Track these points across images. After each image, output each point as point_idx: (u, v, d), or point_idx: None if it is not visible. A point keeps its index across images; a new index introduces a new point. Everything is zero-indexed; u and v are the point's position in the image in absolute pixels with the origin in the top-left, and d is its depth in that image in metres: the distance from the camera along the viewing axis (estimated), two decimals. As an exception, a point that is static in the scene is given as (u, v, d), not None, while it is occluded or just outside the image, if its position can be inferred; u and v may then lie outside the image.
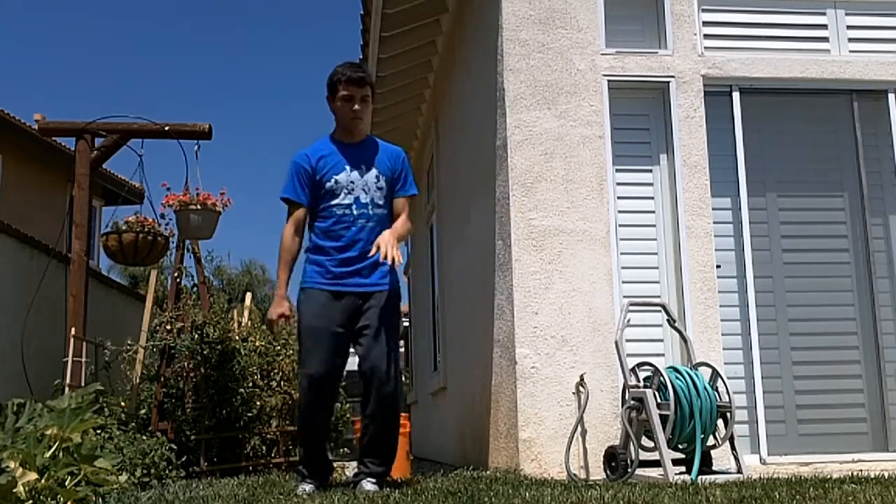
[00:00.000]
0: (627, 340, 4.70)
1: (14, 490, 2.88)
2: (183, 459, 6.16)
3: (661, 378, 4.34)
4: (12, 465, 2.93)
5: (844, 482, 3.56)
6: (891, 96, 5.60)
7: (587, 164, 5.17)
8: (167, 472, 5.54)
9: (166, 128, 6.89)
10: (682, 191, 5.21)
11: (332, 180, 4.01)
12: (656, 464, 4.30)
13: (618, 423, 4.80)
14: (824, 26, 5.63)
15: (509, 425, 5.03)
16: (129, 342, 6.98)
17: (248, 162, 57.27)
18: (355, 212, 3.99)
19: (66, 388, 6.00)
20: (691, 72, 5.36)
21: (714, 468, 4.45)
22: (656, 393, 4.35)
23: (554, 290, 5.02)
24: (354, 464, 4.39)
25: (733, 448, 4.50)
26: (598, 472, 4.74)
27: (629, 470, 4.34)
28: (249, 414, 6.77)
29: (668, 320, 4.83)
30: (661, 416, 4.28)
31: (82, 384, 6.02)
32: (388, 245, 3.82)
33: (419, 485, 3.98)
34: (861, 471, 4.27)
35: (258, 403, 6.82)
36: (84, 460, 3.12)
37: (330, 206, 4.01)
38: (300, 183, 4.07)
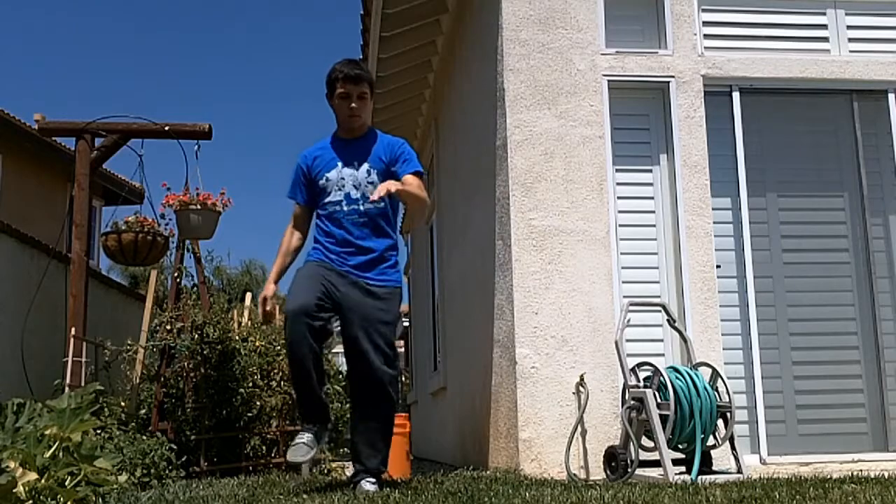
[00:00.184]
0: (627, 340, 4.70)
1: (14, 490, 2.87)
2: (183, 459, 6.16)
3: (661, 378, 4.34)
4: (12, 465, 2.93)
5: (844, 482, 3.56)
6: (891, 96, 5.60)
7: (587, 164, 5.17)
8: (167, 472, 5.54)
9: (166, 128, 6.90)
10: (682, 191, 5.21)
11: (324, 178, 4.06)
12: (656, 464, 4.30)
13: (618, 423, 4.80)
14: (824, 26, 5.63)
15: (509, 425, 5.03)
16: (129, 342, 6.98)
17: (248, 162, 57.30)
18: (345, 208, 3.99)
19: (66, 388, 6.01)
20: (691, 72, 5.36)
21: (714, 468, 4.45)
22: (656, 393, 4.35)
23: (554, 290, 5.02)
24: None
25: (733, 448, 4.50)
26: (598, 472, 4.74)
27: (629, 470, 4.34)
28: (249, 414, 6.77)
29: (668, 320, 4.83)
30: (661, 416, 4.28)
31: (82, 384, 6.03)
32: (385, 186, 3.82)
33: (419, 485, 3.98)
34: (861, 471, 4.26)
35: (258, 403, 6.82)
36: (84, 460, 3.11)
37: (325, 204, 4.05)
38: (298, 182, 4.18)
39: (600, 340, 4.97)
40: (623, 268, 5.14)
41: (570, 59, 5.27)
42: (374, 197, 3.85)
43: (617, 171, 5.24)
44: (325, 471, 6.01)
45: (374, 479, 3.87)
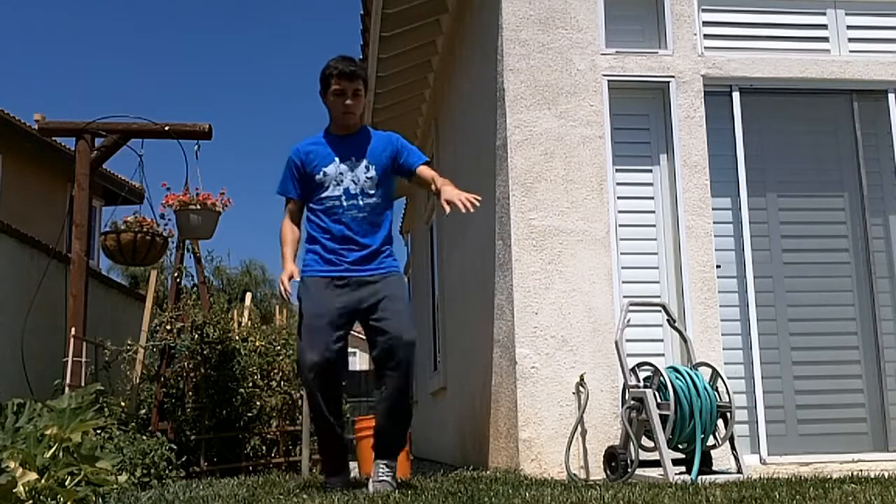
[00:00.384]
0: (627, 340, 4.70)
1: (14, 490, 2.87)
2: (183, 459, 6.17)
3: (661, 378, 4.34)
4: (12, 465, 2.93)
5: (844, 482, 3.56)
6: (891, 96, 5.60)
7: (587, 164, 5.17)
8: (167, 472, 5.54)
9: (166, 128, 6.90)
10: (682, 191, 5.21)
11: (321, 172, 4.04)
12: (656, 464, 4.30)
13: (618, 423, 4.80)
14: (824, 26, 5.63)
15: (509, 425, 5.03)
16: (129, 342, 6.99)
17: (248, 162, 57.30)
18: (345, 203, 3.99)
19: (66, 388, 6.01)
20: (691, 72, 5.36)
21: (714, 468, 4.45)
22: (656, 393, 4.35)
23: (554, 290, 5.01)
24: (355, 464, 4.39)
25: (733, 448, 4.50)
26: (598, 472, 4.74)
27: (629, 470, 4.34)
28: (249, 414, 6.78)
29: (668, 320, 4.83)
30: (661, 416, 4.28)
31: (82, 384, 6.03)
32: (460, 197, 3.88)
33: (419, 485, 3.98)
34: (861, 471, 4.26)
35: (258, 403, 6.83)
36: (84, 460, 3.11)
37: (321, 199, 4.04)
38: (291, 177, 4.15)
39: (600, 340, 4.97)
40: (623, 268, 5.14)
41: (570, 59, 5.27)
42: (470, 206, 3.89)
43: (617, 171, 5.24)
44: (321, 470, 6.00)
45: (390, 463, 3.90)
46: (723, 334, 5.13)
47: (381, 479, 3.84)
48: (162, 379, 6.81)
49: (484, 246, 5.71)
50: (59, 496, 2.98)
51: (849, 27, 5.63)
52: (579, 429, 4.87)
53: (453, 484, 3.96)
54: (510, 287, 5.04)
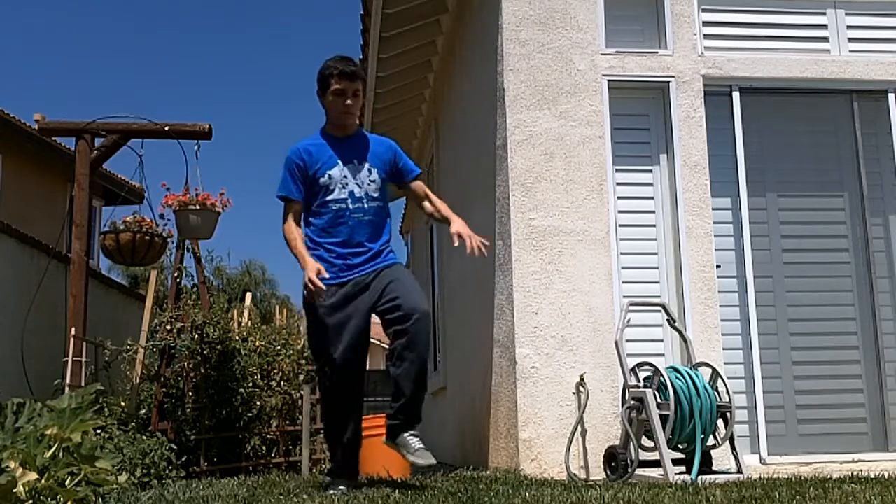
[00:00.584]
0: (627, 340, 4.70)
1: (14, 490, 2.87)
2: (183, 459, 6.17)
3: (661, 378, 4.34)
4: (12, 465, 2.93)
5: (844, 482, 3.56)
6: (891, 96, 5.59)
7: (587, 164, 5.16)
8: (167, 472, 5.55)
9: (166, 128, 6.91)
10: (682, 191, 5.21)
11: (326, 175, 4.00)
12: (656, 464, 4.30)
13: (618, 423, 4.80)
14: (824, 26, 5.63)
15: (509, 425, 5.03)
16: (129, 342, 6.99)
17: (248, 162, 57.30)
18: (351, 206, 3.98)
19: (66, 388, 6.01)
20: (691, 72, 5.36)
21: (714, 468, 4.45)
22: (656, 393, 4.35)
23: (554, 290, 5.01)
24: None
25: (733, 448, 4.50)
26: (598, 472, 4.74)
27: (629, 470, 4.34)
28: (249, 414, 6.78)
29: (668, 320, 4.83)
30: (661, 416, 4.28)
31: (82, 384, 6.03)
32: (471, 237, 3.96)
33: (419, 485, 3.98)
34: (861, 471, 4.26)
35: (258, 403, 6.83)
36: (84, 460, 3.11)
37: (326, 202, 4.00)
38: (294, 179, 4.06)
39: (600, 340, 4.96)
40: (623, 268, 5.14)
41: (570, 59, 5.27)
42: (478, 252, 3.97)
43: (617, 171, 5.24)
44: (325, 471, 6.01)
45: (418, 434, 3.92)
46: (723, 334, 5.13)
47: (418, 448, 3.85)
48: (162, 379, 6.81)
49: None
50: (59, 496, 2.98)
51: (849, 27, 5.63)
52: (579, 429, 4.87)
53: (453, 484, 3.96)
54: (510, 287, 5.04)
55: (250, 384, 6.80)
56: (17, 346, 6.87)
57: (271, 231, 54.66)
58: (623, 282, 5.11)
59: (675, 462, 4.26)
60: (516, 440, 4.87)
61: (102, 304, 8.58)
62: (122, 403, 6.63)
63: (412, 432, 3.91)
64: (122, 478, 3.73)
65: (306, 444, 6.28)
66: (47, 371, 6.96)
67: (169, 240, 7.19)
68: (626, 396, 4.53)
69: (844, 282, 5.45)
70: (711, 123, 5.35)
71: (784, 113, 5.59)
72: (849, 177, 5.56)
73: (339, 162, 4.03)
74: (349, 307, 3.93)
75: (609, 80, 5.26)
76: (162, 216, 6.98)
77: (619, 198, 5.20)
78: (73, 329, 6.38)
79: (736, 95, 5.47)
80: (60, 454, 3.11)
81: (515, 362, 4.92)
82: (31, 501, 2.91)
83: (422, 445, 3.86)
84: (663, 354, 5.10)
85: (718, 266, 5.23)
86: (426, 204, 4.25)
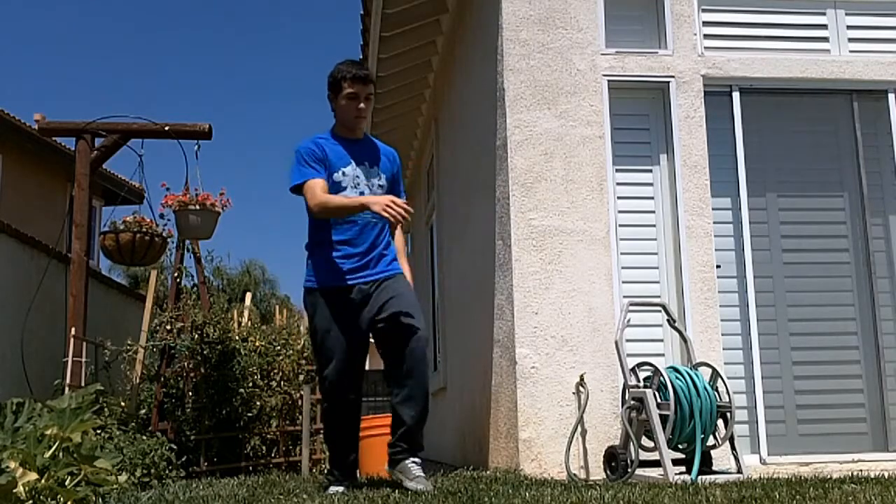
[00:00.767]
0: (627, 340, 4.70)
1: (14, 490, 2.87)
2: (183, 459, 6.17)
3: (661, 378, 4.34)
4: (12, 465, 2.93)
5: (844, 482, 3.56)
6: (891, 96, 5.59)
7: (587, 164, 5.16)
8: (167, 472, 5.55)
9: (166, 128, 6.91)
10: (682, 191, 5.21)
11: (340, 172, 3.99)
12: (656, 464, 4.30)
13: (618, 423, 4.80)
14: (824, 26, 5.63)
15: (509, 425, 5.03)
16: (129, 342, 6.99)
17: (248, 162, 57.30)
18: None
19: (66, 388, 6.01)
20: (691, 72, 5.36)
21: (714, 468, 4.45)
22: (656, 393, 4.35)
23: (554, 290, 5.01)
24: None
25: (733, 448, 4.50)
26: (598, 472, 4.74)
27: (629, 470, 4.34)
28: (249, 414, 6.78)
29: (668, 320, 4.83)
30: (661, 416, 4.28)
31: (82, 384, 6.03)
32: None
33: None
34: (861, 471, 4.27)
35: (258, 403, 6.83)
36: (84, 460, 3.11)
37: None
38: (313, 162, 3.96)
39: (600, 340, 4.96)
40: (623, 268, 5.14)
41: (570, 59, 5.27)
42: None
43: (617, 171, 5.24)
44: (325, 471, 6.01)
45: (419, 460, 3.85)
46: (723, 334, 5.13)
47: (417, 475, 3.78)
48: (162, 379, 6.82)
49: (484, 246, 5.71)
50: (59, 496, 2.98)
51: (849, 27, 5.63)
52: (579, 429, 4.87)
53: (453, 484, 3.96)
54: (510, 287, 5.04)
55: (250, 384, 6.80)
56: (17, 346, 6.87)
57: (271, 231, 54.63)
58: (623, 282, 5.11)
59: (675, 462, 4.26)
60: (516, 440, 4.87)
61: (102, 304, 8.58)
62: (122, 403, 6.63)
63: (413, 459, 3.86)
64: (122, 478, 3.73)
65: (306, 444, 6.28)
66: (47, 371, 6.97)
67: (169, 240, 7.19)
68: (626, 396, 4.53)
69: (844, 282, 5.45)
70: (711, 123, 5.35)
71: (784, 113, 5.59)
72: (849, 177, 5.56)
73: (352, 162, 4.04)
74: (350, 319, 3.93)
75: (609, 80, 5.26)
76: (162, 216, 6.98)
77: (619, 198, 5.20)
78: (73, 329, 6.38)
79: (736, 95, 5.47)
80: (60, 454, 3.11)
81: (515, 362, 4.92)
82: (31, 501, 2.92)
83: (422, 473, 3.81)
84: (663, 354, 5.10)
85: (718, 266, 5.23)
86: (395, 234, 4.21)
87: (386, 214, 3.69)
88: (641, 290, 5.14)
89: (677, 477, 4.12)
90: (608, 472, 4.52)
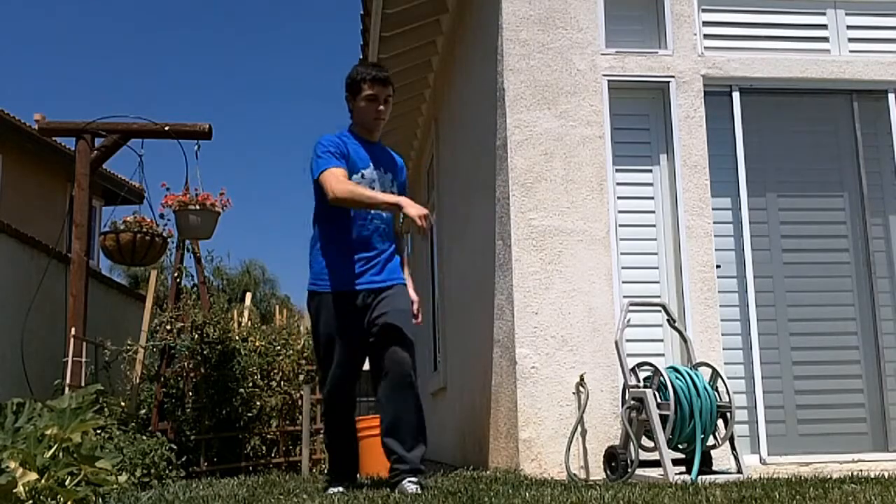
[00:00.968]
0: (627, 340, 4.70)
1: (14, 490, 2.87)
2: (183, 459, 6.17)
3: (661, 378, 4.34)
4: (12, 465, 2.93)
5: (844, 482, 3.56)
6: (891, 96, 5.60)
7: (587, 164, 5.17)
8: (167, 472, 5.55)
9: (166, 128, 6.91)
10: (682, 191, 5.21)
11: (360, 173, 3.97)
12: (656, 464, 4.30)
13: (618, 423, 4.80)
14: (824, 26, 5.63)
15: (509, 425, 5.03)
16: (129, 342, 6.99)
17: (248, 162, 57.30)
18: (372, 210, 3.98)
19: (66, 388, 6.01)
20: (691, 72, 5.36)
21: (714, 468, 4.45)
22: (656, 393, 4.35)
23: (554, 290, 5.02)
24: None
25: (733, 448, 4.50)
26: (598, 472, 4.74)
27: (629, 470, 4.34)
28: (249, 414, 6.78)
29: (668, 320, 4.83)
30: (661, 416, 4.28)
31: (82, 384, 6.03)
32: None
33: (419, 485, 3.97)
34: (861, 471, 4.27)
35: (258, 403, 6.83)
36: (84, 460, 3.11)
37: None
38: (336, 155, 3.92)
39: (600, 340, 4.97)
40: (623, 268, 5.14)
41: (570, 59, 5.27)
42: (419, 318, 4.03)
43: (617, 171, 5.24)
44: (325, 471, 6.02)
45: (416, 479, 3.76)
46: (723, 334, 5.13)
47: (412, 493, 3.63)
48: (162, 379, 6.82)
49: (484, 246, 5.71)
50: (59, 496, 2.98)
51: (849, 27, 5.63)
52: (579, 429, 4.87)
53: (453, 484, 3.96)
54: (510, 287, 5.04)
55: (250, 384, 6.81)
56: (17, 346, 6.87)
57: (271, 231, 54.65)
58: (623, 282, 5.11)
59: (675, 462, 4.26)
60: (516, 440, 4.87)
61: (102, 304, 8.58)
62: (122, 403, 6.64)
63: (411, 479, 3.76)
64: (122, 478, 3.73)
65: (306, 444, 6.28)
66: (47, 371, 6.97)
67: (169, 240, 7.19)
68: (626, 396, 4.53)
69: (844, 282, 5.45)
70: (711, 123, 5.35)
71: (784, 113, 5.59)
72: (849, 177, 5.56)
73: (371, 164, 4.04)
74: (353, 325, 3.92)
75: (609, 80, 5.26)
76: (162, 216, 6.99)
77: (619, 198, 5.20)
78: (73, 329, 6.38)
79: (736, 95, 5.47)
80: (60, 454, 3.11)
81: (515, 362, 4.92)
82: (31, 501, 2.92)
83: (413, 488, 3.69)
84: (663, 354, 5.10)
85: (718, 266, 5.23)
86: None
87: (420, 222, 3.66)
88: (641, 290, 5.14)
89: (677, 477, 4.12)
90: (608, 472, 4.52)
